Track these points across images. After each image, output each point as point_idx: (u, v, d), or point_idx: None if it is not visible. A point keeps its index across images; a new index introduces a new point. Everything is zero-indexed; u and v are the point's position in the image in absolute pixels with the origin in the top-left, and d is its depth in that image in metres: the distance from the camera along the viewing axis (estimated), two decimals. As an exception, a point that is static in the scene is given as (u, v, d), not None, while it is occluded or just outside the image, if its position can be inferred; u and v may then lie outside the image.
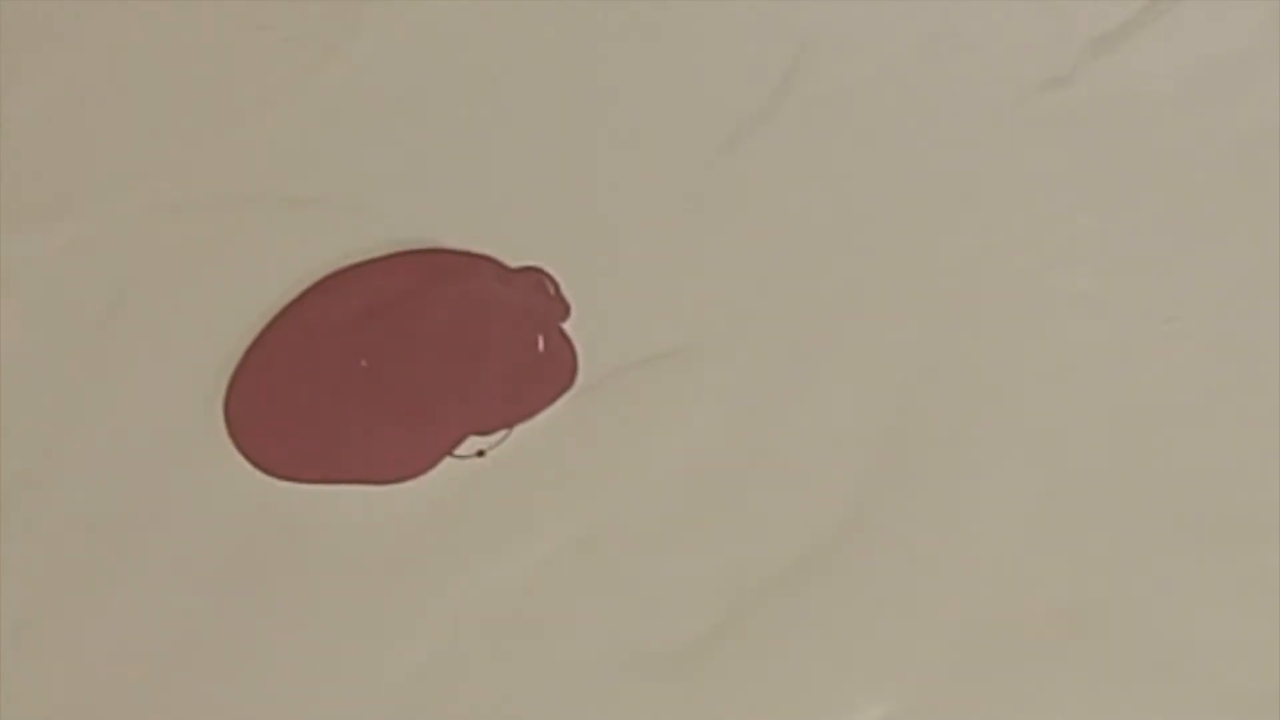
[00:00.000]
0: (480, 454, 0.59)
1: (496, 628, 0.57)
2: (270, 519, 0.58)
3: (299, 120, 0.64)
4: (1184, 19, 0.65)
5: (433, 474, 0.58)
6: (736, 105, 0.64)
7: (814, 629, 0.57)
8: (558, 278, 0.61)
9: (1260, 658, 0.56)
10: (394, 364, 0.60)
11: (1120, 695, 0.56)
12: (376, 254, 0.62)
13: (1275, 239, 0.62)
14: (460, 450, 0.59)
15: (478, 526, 0.58)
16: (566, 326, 0.60)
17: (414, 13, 0.65)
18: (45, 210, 0.63)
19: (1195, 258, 0.62)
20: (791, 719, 0.56)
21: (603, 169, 0.63)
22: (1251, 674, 0.56)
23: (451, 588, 0.57)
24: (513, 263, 0.61)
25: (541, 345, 0.60)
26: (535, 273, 0.61)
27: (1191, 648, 0.56)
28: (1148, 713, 0.56)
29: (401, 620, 0.57)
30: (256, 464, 0.59)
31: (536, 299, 0.61)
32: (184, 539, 0.58)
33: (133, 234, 0.62)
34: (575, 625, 0.57)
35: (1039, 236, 0.62)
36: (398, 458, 0.59)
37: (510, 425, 0.59)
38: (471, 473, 0.58)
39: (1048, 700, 0.56)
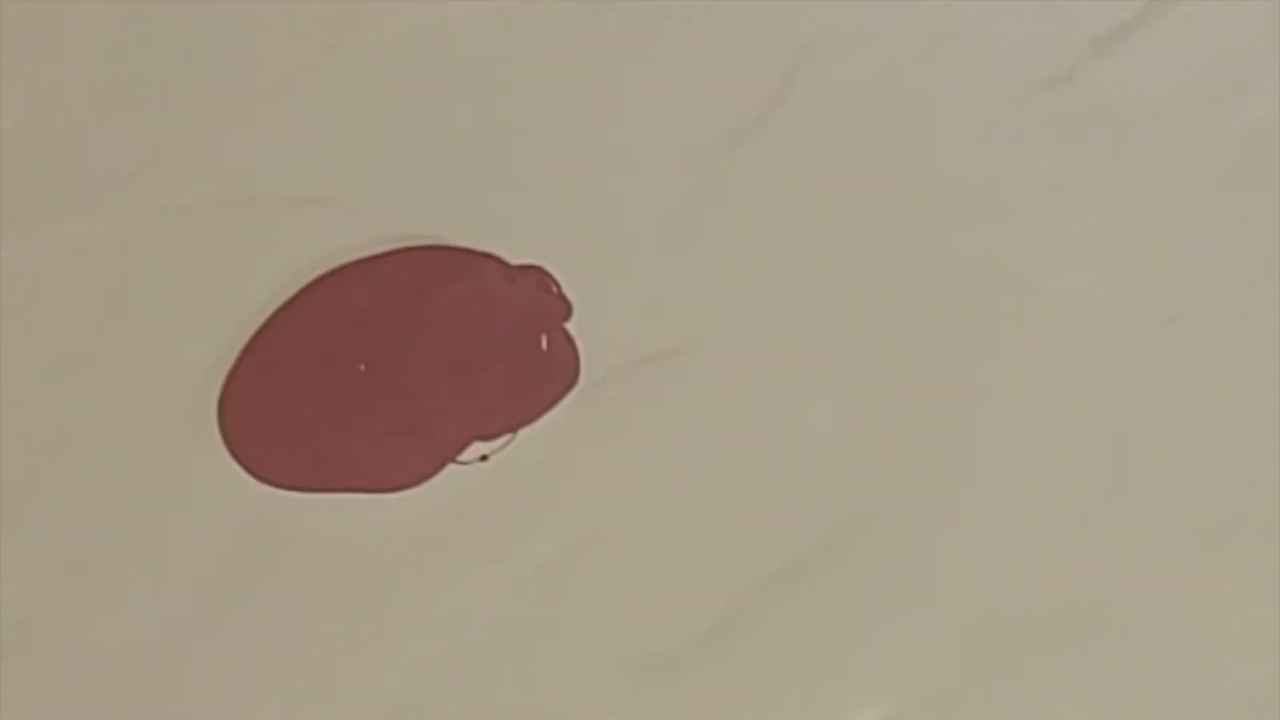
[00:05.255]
0: (484, 459, 0.59)
1: (496, 629, 0.57)
2: (270, 522, 0.58)
3: (299, 120, 0.64)
4: (1184, 19, 0.65)
5: (435, 478, 0.58)
6: (736, 105, 0.64)
7: (814, 629, 0.57)
8: (558, 277, 0.61)
9: (1260, 658, 0.56)
10: (395, 367, 0.60)
11: (1120, 695, 0.56)
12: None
13: (1275, 239, 0.62)
14: (464, 456, 0.59)
15: (478, 529, 0.58)
16: (568, 326, 0.61)
17: (414, 13, 0.65)
18: (45, 210, 0.63)
19: (1195, 258, 0.62)
20: (791, 719, 0.56)
21: (603, 169, 0.63)
22: (1251, 674, 0.56)
23: (452, 590, 0.57)
24: (513, 262, 0.61)
25: (544, 344, 0.60)
26: (537, 271, 0.61)
27: (1191, 648, 0.57)
28: (1148, 713, 0.56)
29: (403, 623, 0.57)
30: (253, 473, 0.59)
31: (538, 297, 0.61)
32: (184, 538, 0.58)
33: (133, 234, 0.62)
34: (576, 625, 0.57)
35: (1039, 236, 0.62)
36: (400, 466, 0.58)
37: (514, 428, 0.59)
38: (473, 476, 0.58)
39: (1048, 700, 0.56)
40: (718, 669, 0.57)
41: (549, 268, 0.61)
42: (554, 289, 0.61)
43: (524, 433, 0.59)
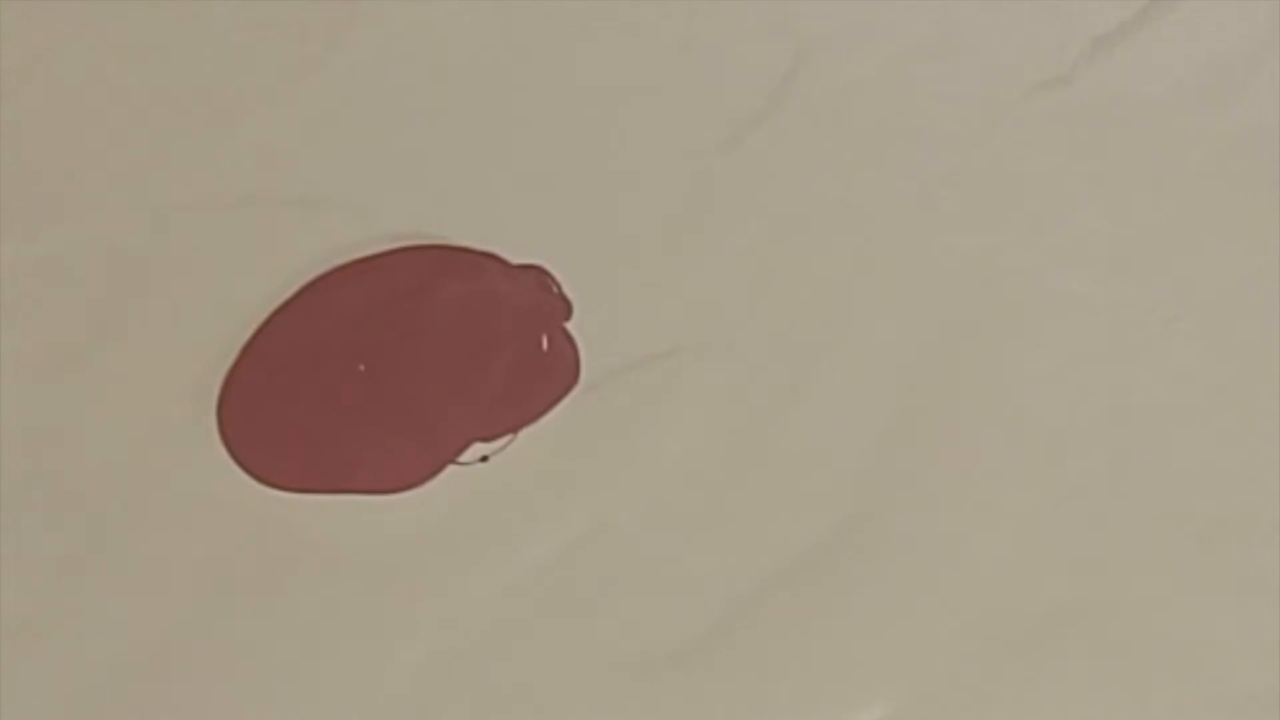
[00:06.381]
0: (484, 459, 0.59)
1: (496, 629, 0.57)
2: (270, 523, 0.58)
3: (299, 120, 0.64)
4: (1184, 19, 0.65)
5: (435, 479, 0.58)
6: (736, 105, 0.64)
7: (814, 629, 0.57)
8: (558, 277, 0.61)
9: (1260, 658, 0.56)
10: (395, 367, 0.60)
11: (1120, 695, 0.56)
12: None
13: (1275, 239, 0.62)
14: (464, 456, 0.59)
15: (478, 529, 0.58)
16: (568, 326, 0.60)
17: (414, 13, 0.65)
18: (45, 210, 0.63)
19: (1195, 258, 0.62)
20: (791, 719, 0.56)
21: (603, 168, 0.63)
22: (1251, 674, 0.56)
23: (452, 590, 0.57)
24: (513, 262, 0.62)
25: (545, 344, 0.60)
26: (537, 271, 0.61)
27: (1191, 648, 0.57)
28: (1148, 713, 0.56)
29: (403, 623, 0.57)
30: (253, 474, 0.59)
31: (539, 297, 0.61)
32: (184, 539, 0.58)
33: (132, 234, 0.62)
34: (576, 625, 0.57)
35: (1039, 236, 0.62)
36: (400, 468, 0.58)
37: (515, 429, 0.59)
38: (473, 477, 0.58)
39: (1048, 700, 0.56)
40: (718, 669, 0.57)
41: (549, 268, 0.61)
42: (554, 289, 0.61)
43: (524, 433, 0.59)
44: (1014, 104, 0.64)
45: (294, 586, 0.58)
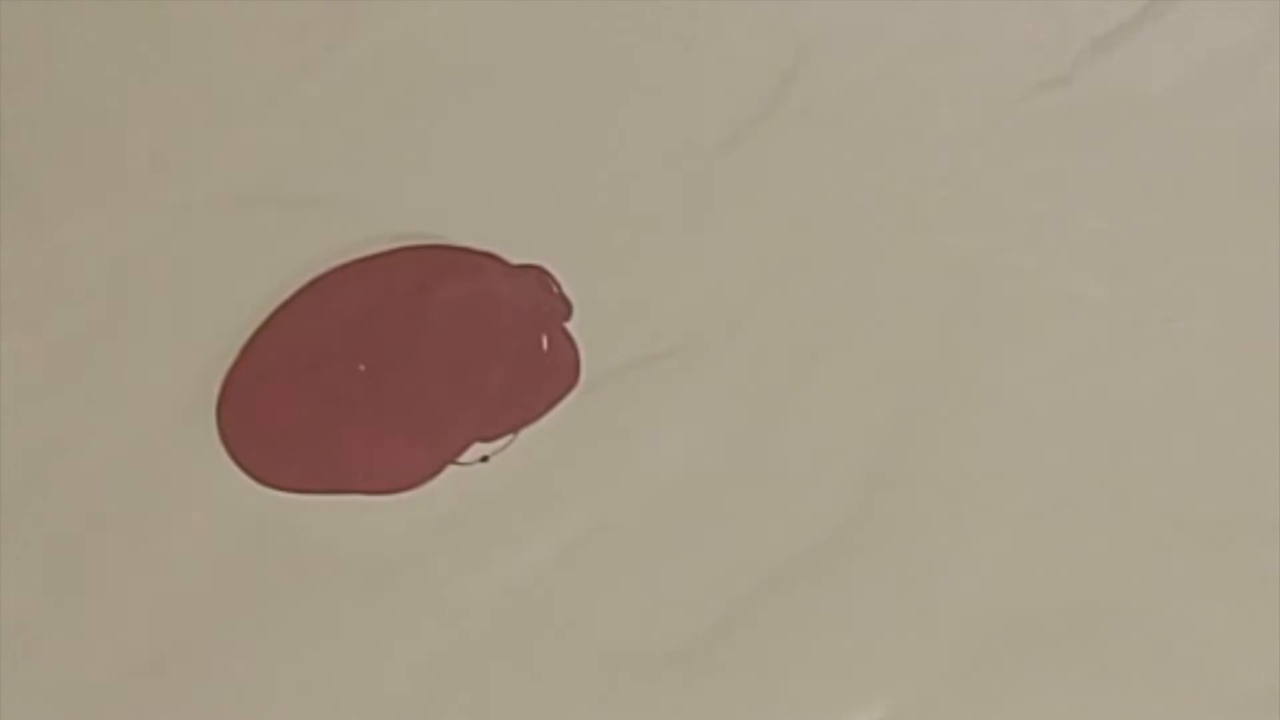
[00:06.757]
0: (484, 459, 0.59)
1: (496, 629, 0.57)
2: (270, 523, 0.58)
3: (299, 120, 0.64)
4: (1184, 19, 0.65)
5: (435, 479, 0.58)
6: (736, 105, 0.64)
7: (814, 629, 0.57)
8: (558, 277, 0.61)
9: (1260, 658, 0.56)
10: (395, 367, 0.60)
11: (1121, 695, 0.56)
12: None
13: (1275, 239, 0.62)
14: (464, 456, 0.59)
15: (479, 529, 0.58)
16: (568, 326, 0.60)
17: (414, 13, 0.65)
18: (45, 210, 0.63)
19: (1195, 258, 0.62)
20: (791, 719, 0.56)
21: (603, 168, 0.63)
22: (1251, 674, 0.56)
23: (452, 590, 0.57)
24: (513, 262, 0.61)
25: (545, 344, 0.60)
26: (537, 271, 0.61)
27: (1191, 648, 0.57)
28: (1148, 713, 0.56)
29: (403, 623, 0.57)
30: (252, 475, 0.58)
31: (539, 297, 0.61)
32: (184, 539, 0.58)
33: (133, 234, 0.62)
34: (576, 625, 0.57)
35: (1039, 236, 0.62)
36: (400, 468, 0.58)
37: (515, 429, 0.59)
38: (474, 477, 0.58)
39: (1048, 700, 0.56)
40: (717, 669, 0.57)
41: (549, 268, 0.61)
42: (554, 289, 0.61)
43: (524, 433, 0.59)
44: (1014, 104, 0.64)
45: (294, 586, 0.58)
